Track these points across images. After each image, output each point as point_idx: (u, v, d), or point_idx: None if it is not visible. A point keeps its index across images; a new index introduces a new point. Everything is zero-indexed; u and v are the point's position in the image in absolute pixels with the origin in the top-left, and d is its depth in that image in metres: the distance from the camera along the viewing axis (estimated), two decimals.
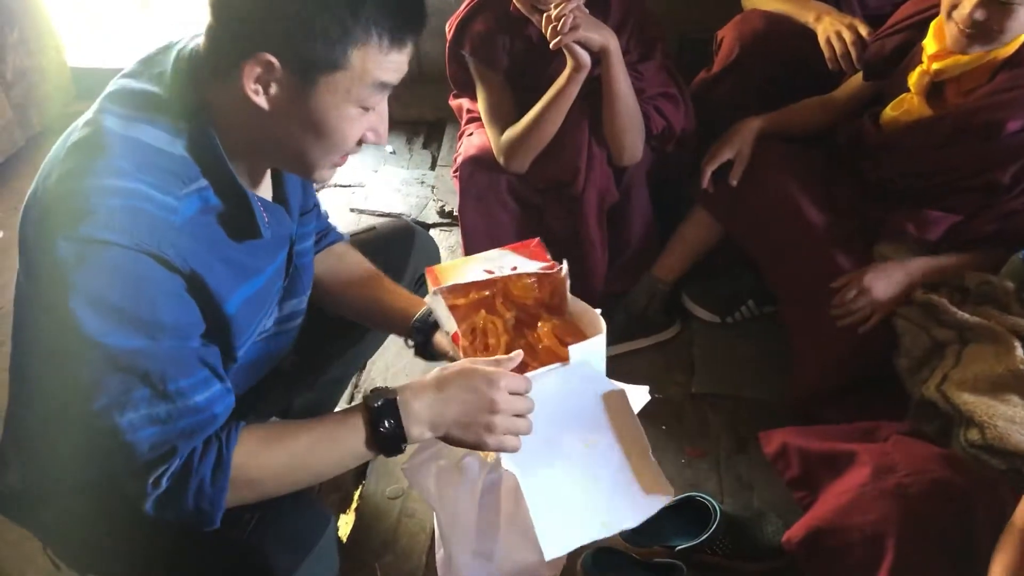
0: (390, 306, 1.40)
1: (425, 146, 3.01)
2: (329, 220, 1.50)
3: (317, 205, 1.42)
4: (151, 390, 0.97)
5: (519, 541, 1.44)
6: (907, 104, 1.79)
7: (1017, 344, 1.52)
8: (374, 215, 2.63)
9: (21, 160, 2.94)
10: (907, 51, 1.85)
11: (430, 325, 1.36)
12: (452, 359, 1.28)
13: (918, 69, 1.76)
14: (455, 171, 2.01)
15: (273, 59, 0.97)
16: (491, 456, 1.32)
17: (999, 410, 1.42)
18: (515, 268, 1.28)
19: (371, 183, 2.79)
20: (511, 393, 1.11)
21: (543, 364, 1.19)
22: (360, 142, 1.09)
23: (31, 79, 2.96)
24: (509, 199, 1.98)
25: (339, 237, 1.50)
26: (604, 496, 1.17)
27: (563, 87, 1.81)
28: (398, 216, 2.57)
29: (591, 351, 1.21)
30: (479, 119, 2.04)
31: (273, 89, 1.00)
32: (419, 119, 3.07)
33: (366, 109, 1.05)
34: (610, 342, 1.25)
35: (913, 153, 1.76)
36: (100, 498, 1.11)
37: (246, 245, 1.11)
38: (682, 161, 2.10)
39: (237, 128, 1.05)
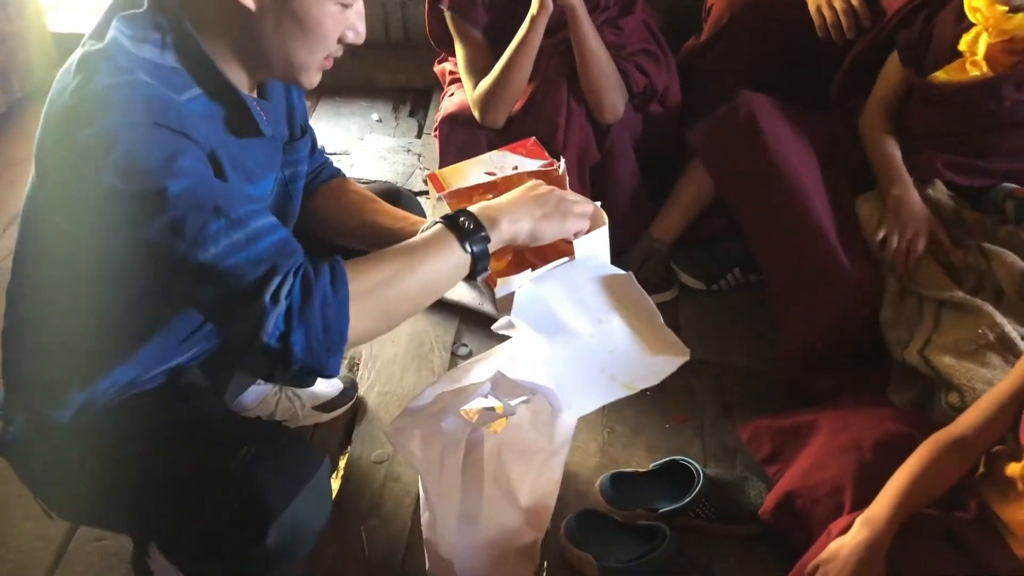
0: (392, 226, 1.40)
1: (412, 114, 2.98)
2: (325, 155, 1.50)
3: (310, 135, 1.43)
4: (225, 220, 0.98)
5: (502, 502, 1.45)
6: (971, 69, 1.74)
7: (993, 311, 1.54)
8: (359, 183, 2.61)
9: (3, 125, 2.90)
10: (931, 21, 1.84)
11: None
12: None
13: (973, 31, 1.72)
14: (435, 129, 2.01)
15: None
16: (474, 416, 1.33)
17: (979, 373, 1.44)
18: (515, 168, 1.29)
19: (356, 151, 2.77)
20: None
21: (549, 261, 1.22)
22: (341, 41, 1.14)
23: (12, 44, 2.92)
24: None
25: (336, 172, 1.51)
26: (622, 362, 1.19)
27: (526, 33, 1.82)
28: (386, 183, 2.55)
29: (595, 244, 1.24)
30: (460, 80, 2.03)
31: None
32: (406, 86, 3.05)
33: (345, 7, 1.10)
34: None
35: (967, 109, 1.76)
36: (89, 439, 1.14)
37: (248, 144, 1.17)
38: (668, 126, 2.09)
39: (223, 34, 1.09)
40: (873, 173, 1.88)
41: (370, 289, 1.04)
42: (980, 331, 1.51)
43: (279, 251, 1.01)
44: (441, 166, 2.00)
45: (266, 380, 1.76)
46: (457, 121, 1.98)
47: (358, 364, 2.00)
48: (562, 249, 1.24)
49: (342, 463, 1.78)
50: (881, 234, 1.75)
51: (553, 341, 1.19)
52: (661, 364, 1.19)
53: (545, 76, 1.89)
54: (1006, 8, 1.64)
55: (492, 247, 1.14)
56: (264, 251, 1.00)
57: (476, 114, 1.94)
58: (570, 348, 1.19)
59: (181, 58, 1.07)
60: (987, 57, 1.71)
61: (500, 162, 1.33)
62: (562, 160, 1.28)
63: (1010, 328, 1.52)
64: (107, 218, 0.99)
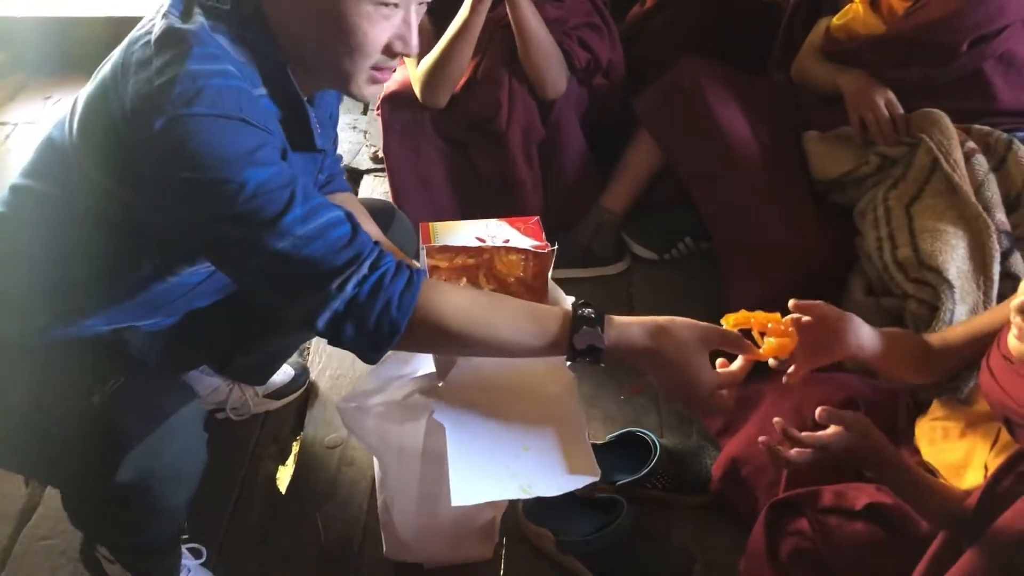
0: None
1: None
2: (340, 164, 1.50)
3: (335, 147, 1.43)
4: (300, 209, 0.99)
5: None
6: (851, 12, 1.82)
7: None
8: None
9: None
10: None
11: None
12: None
13: None
14: (377, 108, 1.98)
15: None
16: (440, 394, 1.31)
17: (940, 236, 1.54)
18: (507, 241, 1.27)
19: None
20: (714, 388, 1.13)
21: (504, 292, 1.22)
22: (390, 51, 1.10)
23: None
24: (435, 136, 1.97)
25: (345, 186, 1.49)
26: (530, 464, 1.17)
27: (468, 15, 1.79)
28: (383, 201, 2.52)
29: None
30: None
31: None
32: None
33: (385, 6, 1.05)
34: (553, 265, 1.25)
35: (876, 68, 1.79)
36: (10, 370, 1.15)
37: (298, 156, 1.16)
38: (614, 98, 2.08)
39: (285, 37, 1.08)
40: (821, 107, 1.90)
41: (435, 316, 1.05)
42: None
43: (352, 245, 1.02)
44: (385, 145, 1.99)
45: (218, 372, 1.72)
46: (398, 100, 1.95)
47: (308, 348, 1.96)
48: (521, 294, 1.24)
49: (295, 449, 1.75)
50: (857, 120, 1.77)
51: (473, 418, 1.18)
52: (567, 480, 1.16)
53: (486, 53, 1.87)
54: None
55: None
56: (338, 240, 1.01)
57: (418, 93, 1.91)
58: (487, 431, 1.18)
59: (253, 55, 1.07)
60: (878, 4, 1.79)
61: (495, 231, 1.31)
62: (555, 245, 1.26)
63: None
64: (172, 200, 1.00)
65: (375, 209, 1.51)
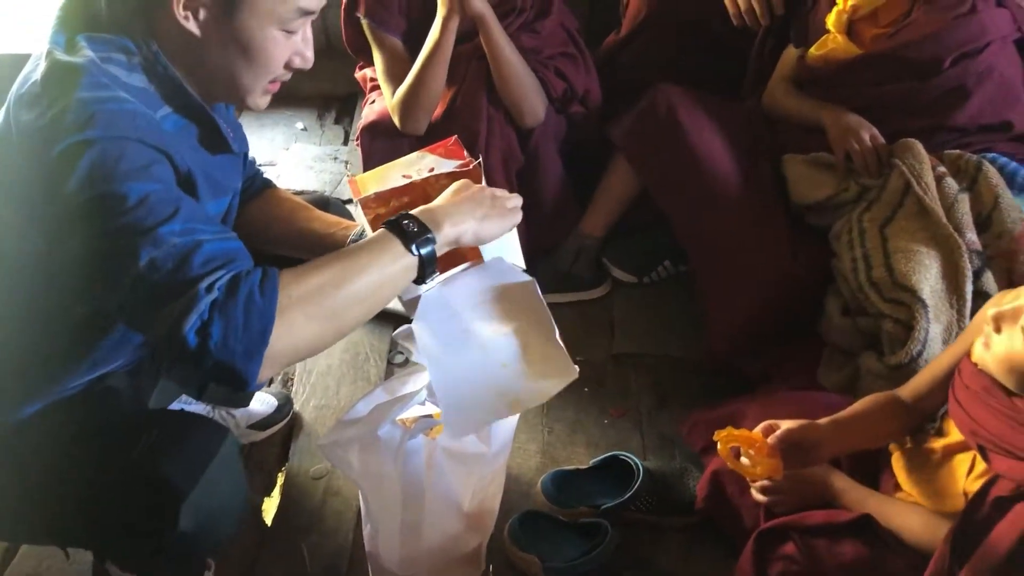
0: (325, 231, 1.40)
1: (337, 121, 2.95)
2: (256, 166, 1.50)
3: (246, 151, 1.42)
4: (179, 226, 0.98)
5: (445, 509, 1.44)
6: (831, 43, 1.86)
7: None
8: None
9: None
10: (815, 4, 1.92)
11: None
12: None
13: (835, 9, 1.83)
14: (356, 139, 1.99)
15: None
16: (411, 424, 1.32)
17: (913, 256, 1.57)
18: (432, 169, 1.30)
19: (283, 161, 2.73)
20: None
21: (457, 265, 1.24)
22: (288, 67, 1.16)
23: None
24: None
25: (267, 182, 1.51)
26: (511, 378, 1.20)
27: (438, 37, 1.82)
28: (316, 193, 2.52)
29: (503, 247, 1.26)
30: None
31: (201, 14, 1.07)
32: (330, 94, 3.02)
33: (289, 32, 1.12)
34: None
35: (854, 89, 1.84)
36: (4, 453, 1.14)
37: (218, 160, 1.20)
38: (591, 125, 2.10)
39: (178, 56, 1.10)
40: (795, 130, 1.93)
41: (310, 293, 1.02)
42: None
43: (225, 254, 1.01)
44: None
45: (197, 397, 1.72)
46: (378, 130, 1.96)
47: (292, 379, 1.97)
48: (468, 255, 1.25)
49: (280, 480, 1.75)
50: (842, 154, 1.79)
51: (450, 350, 1.20)
52: (547, 385, 1.20)
53: (464, 82, 1.88)
54: None
55: (438, 249, 1.13)
56: (209, 253, 0.99)
57: (396, 121, 1.92)
58: (466, 358, 1.21)
59: (150, 78, 1.09)
60: (853, 32, 1.84)
61: (418, 164, 1.33)
62: (480, 158, 1.29)
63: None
64: (70, 225, 0.99)
65: (309, 201, 1.52)
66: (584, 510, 1.60)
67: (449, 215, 1.15)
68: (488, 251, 1.27)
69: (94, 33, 1.06)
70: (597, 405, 1.87)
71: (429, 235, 1.11)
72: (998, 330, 1.08)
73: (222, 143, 1.20)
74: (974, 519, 1.05)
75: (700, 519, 1.57)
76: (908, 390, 1.30)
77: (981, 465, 1.15)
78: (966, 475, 1.18)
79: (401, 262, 1.10)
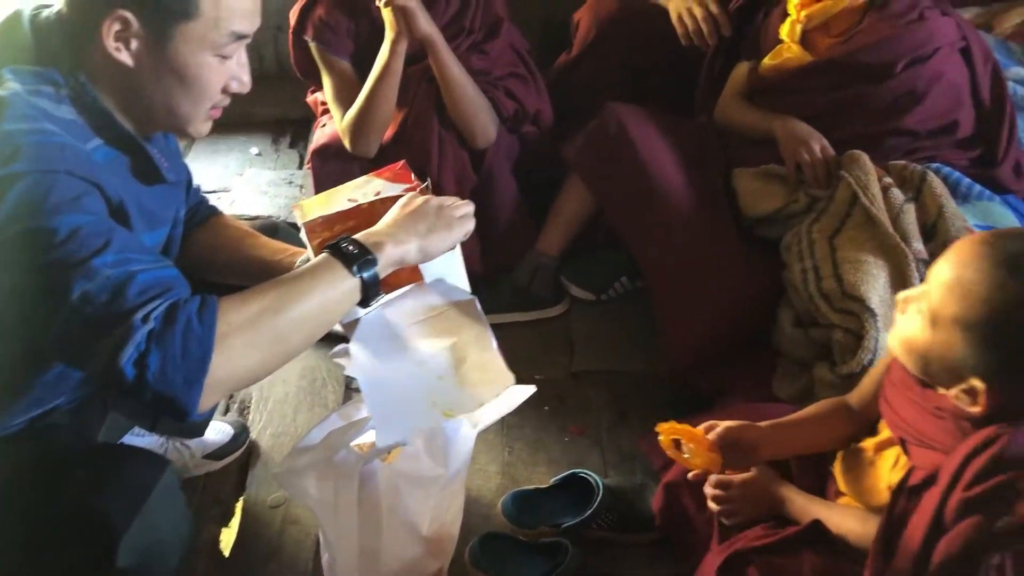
0: (272, 258, 1.39)
1: (292, 145, 2.94)
2: (201, 194, 1.49)
3: (189, 179, 1.41)
4: (112, 257, 0.97)
5: (403, 534, 1.43)
6: (786, 52, 1.89)
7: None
8: (241, 220, 2.55)
9: None
10: (767, 18, 1.97)
11: None
12: None
13: (788, 20, 1.87)
14: (308, 163, 1.99)
15: (128, 14, 1.03)
16: (366, 448, 1.31)
17: (861, 267, 1.60)
18: (378, 193, 1.29)
19: (236, 187, 2.70)
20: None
21: (400, 286, 1.24)
22: (225, 91, 1.17)
23: None
24: None
25: (213, 210, 1.50)
26: (447, 389, 1.21)
27: (387, 59, 1.83)
28: (267, 218, 2.51)
29: (446, 268, 1.27)
30: None
31: (133, 44, 1.06)
32: (284, 118, 3.00)
33: (224, 57, 1.12)
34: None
35: (807, 95, 1.88)
36: None
37: (154, 191, 1.19)
38: (544, 145, 2.12)
39: (111, 87, 1.10)
40: (746, 144, 1.96)
41: (249, 320, 1.01)
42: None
43: (160, 283, 1.00)
44: None
45: (150, 429, 1.69)
46: (328, 153, 1.96)
47: (248, 407, 1.94)
48: (409, 278, 1.25)
49: (238, 510, 1.72)
50: (793, 164, 1.82)
51: (385, 365, 1.20)
52: (482, 392, 1.21)
53: (414, 104, 1.89)
54: None
55: (381, 270, 1.13)
56: (144, 283, 0.98)
57: (347, 144, 1.92)
58: (401, 370, 1.21)
59: (79, 110, 1.08)
60: (807, 42, 1.88)
61: (365, 188, 1.33)
62: (427, 181, 1.29)
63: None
64: None
65: (257, 227, 1.52)
66: (545, 530, 1.59)
67: (391, 235, 1.15)
68: (430, 273, 1.27)
69: (20, 66, 1.05)
70: (557, 423, 1.87)
71: (370, 256, 1.11)
72: (903, 312, 1.11)
73: (155, 174, 1.19)
74: (894, 513, 1.07)
75: (661, 535, 1.57)
76: (855, 396, 1.32)
77: (903, 459, 1.17)
78: (890, 469, 1.19)
79: (343, 285, 1.09)
